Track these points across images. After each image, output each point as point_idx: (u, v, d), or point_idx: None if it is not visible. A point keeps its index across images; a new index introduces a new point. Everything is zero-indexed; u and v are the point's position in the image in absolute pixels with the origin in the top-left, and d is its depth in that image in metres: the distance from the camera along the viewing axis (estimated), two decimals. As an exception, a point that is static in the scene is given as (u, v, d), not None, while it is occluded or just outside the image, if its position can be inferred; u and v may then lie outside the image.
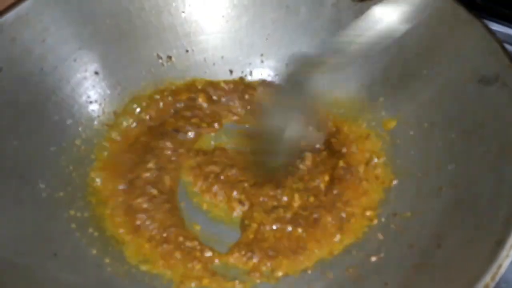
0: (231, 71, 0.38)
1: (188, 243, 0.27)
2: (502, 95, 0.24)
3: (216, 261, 0.27)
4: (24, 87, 0.30)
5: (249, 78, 0.38)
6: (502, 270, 0.16)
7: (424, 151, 0.28)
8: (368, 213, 0.27)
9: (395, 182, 0.29)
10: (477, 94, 0.25)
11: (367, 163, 0.30)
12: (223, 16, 0.37)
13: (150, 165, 0.31)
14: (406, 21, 0.29)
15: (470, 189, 0.23)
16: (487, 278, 0.16)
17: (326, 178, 0.30)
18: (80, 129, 0.32)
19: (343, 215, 0.27)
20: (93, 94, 0.34)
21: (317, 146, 0.31)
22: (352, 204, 0.28)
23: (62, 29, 0.32)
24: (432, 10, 0.29)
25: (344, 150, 0.31)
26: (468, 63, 0.27)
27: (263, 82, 0.38)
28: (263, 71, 0.38)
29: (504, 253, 0.17)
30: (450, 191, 0.24)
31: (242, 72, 0.38)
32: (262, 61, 0.38)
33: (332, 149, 0.31)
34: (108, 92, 0.34)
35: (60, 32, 0.32)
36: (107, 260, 0.27)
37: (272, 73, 0.38)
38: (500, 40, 0.25)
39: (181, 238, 0.27)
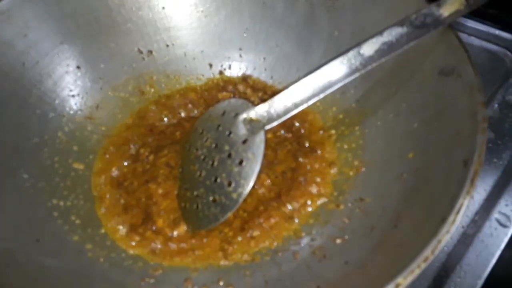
0: (210, 65, 0.39)
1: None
2: (457, 85, 0.25)
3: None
4: (6, 81, 0.31)
5: (228, 71, 0.39)
6: (442, 244, 0.18)
7: (390, 140, 0.29)
8: (335, 198, 0.29)
9: (363, 169, 0.30)
10: (437, 85, 0.27)
11: (335, 148, 0.32)
12: (202, 11, 0.38)
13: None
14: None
15: (427, 175, 0.24)
16: (427, 252, 0.18)
17: (292, 163, 0.31)
18: (62, 122, 0.33)
19: (309, 202, 0.29)
20: (75, 88, 0.35)
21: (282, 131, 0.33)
22: (319, 192, 0.30)
23: (43, 24, 0.33)
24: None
25: (311, 136, 0.32)
26: (430, 55, 0.28)
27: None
28: (241, 65, 0.39)
29: (445, 229, 0.18)
30: (410, 177, 0.26)
31: (222, 65, 0.39)
32: (240, 55, 0.39)
33: (297, 135, 0.33)
34: (90, 86, 0.35)
35: (41, 27, 0.33)
36: (88, 246, 0.28)
37: (250, 67, 0.39)
38: (458, 35, 0.27)
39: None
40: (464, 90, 0.24)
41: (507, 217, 0.32)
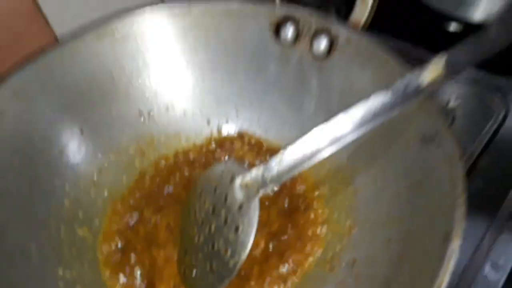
0: (208, 123, 0.41)
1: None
2: (438, 154, 0.26)
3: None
4: (14, 155, 0.32)
5: (225, 128, 0.41)
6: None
7: (379, 202, 0.31)
8: (330, 259, 0.30)
9: (355, 230, 0.31)
10: (419, 151, 0.28)
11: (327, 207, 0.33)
12: (199, 74, 0.40)
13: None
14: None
15: (411, 243, 0.25)
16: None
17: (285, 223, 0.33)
18: (67, 189, 0.35)
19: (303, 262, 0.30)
20: (79, 155, 0.36)
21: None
22: (313, 252, 0.31)
23: (48, 96, 0.35)
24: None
25: (304, 194, 0.34)
26: (413, 122, 0.29)
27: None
28: (237, 122, 0.41)
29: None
30: (397, 243, 0.27)
31: (219, 123, 0.41)
32: (237, 113, 0.41)
33: (290, 193, 0.34)
34: (92, 150, 0.37)
35: (46, 98, 0.34)
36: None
37: (246, 124, 0.41)
38: (439, 103, 0.28)
39: None
40: (445, 159, 0.26)
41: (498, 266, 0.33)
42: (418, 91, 0.28)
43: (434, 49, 0.29)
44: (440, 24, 0.51)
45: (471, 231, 0.35)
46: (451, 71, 0.28)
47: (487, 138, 0.41)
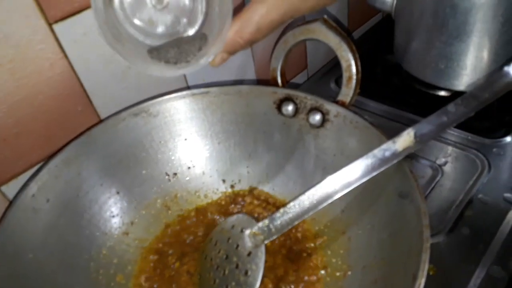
0: (224, 181, 0.48)
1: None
2: (410, 208, 0.32)
3: None
4: (64, 211, 0.39)
5: (238, 185, 0.48)
6: None
7: (368, 248, 0.36)
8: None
9: (349, 273, 0.37)
10: (397, 205, 0.34)
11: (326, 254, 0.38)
12: (216, 140, 0.48)
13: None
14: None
15: (391, 283, 0.30)
16: None
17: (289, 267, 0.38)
18: (105, 239, 0.41)
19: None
20: (115, 210, 0.43)
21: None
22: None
23: (92, 162, 0.42)
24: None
25: (305, 242, 0.39)
26: (391, 181, 0.36)
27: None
28: (248, 180, 0.48)
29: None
30: (381, 283, 0.32)
31: (232, 181, 0.48)
32: (248, 172, 0.48)
33: (294, 241, 0.40)
34: (126, 206, 0.44)
35: (91, 166, 0.42)
36: None
37: (256, 181, 0.48)
38: (409, 167, 0.34)
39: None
40: (415, 212, 0.31)
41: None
42: (394, 155, 0.35)
43: (421, 113, 0.35)
44: (426, 90, 0.58)
45: (461, 271, 0.39)
46: (419, 140, 0.35)
47: (473, 190, 0.47)
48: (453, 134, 0.53)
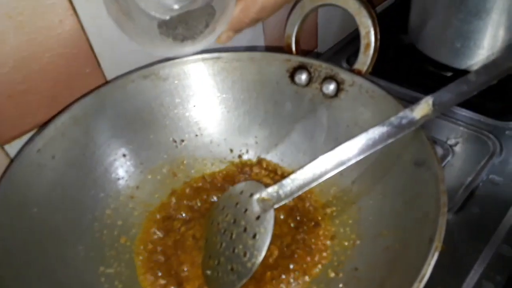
0: (231, 150, 0.47)
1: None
2: (426, 175, 0.31)
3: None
4: (69, 169, 0.39)
5: (245, 155, 0.47)
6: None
7: (379, 217, 0.35)
8: (335, 267, 0.34)
9: (358, 242, 0.36)
10: (412, 173, 0.33)
11: (335, 223, 0.37)
12: (225, 108, 0.47)
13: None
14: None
15: (404, 248, 0.30)
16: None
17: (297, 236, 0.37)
18: (109, 200, 0.41)
19: (312, 269, 0.35)
20: (121, 172, 0.42)
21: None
22: (321, 261, 0.35)
23: (100, 123, 0.41)
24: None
25: (314, 212, 0.38)
26: (407, 149, 0.35)
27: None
28: (257, 150, 0.47)
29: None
30: (393, 250, 0.31)
31: (240, 150, 0.47)
32: (256, 142, 0.47)
33: (302, 212, 0.39)
34: (133, 170, 0.43)
35: (98, 126, 0.41)
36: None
37: (264, 151, 0.47)
38: (427, 134, 0.34)
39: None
40: (432, 179, 0.31)
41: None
42: (411, 123, 0.34)
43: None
44: (438, 71, 0.57)
45: (470, 249, 0.39)
46: (438, 109, 0.34)
47: (484, 171, 0.46)
48: (465, 115, 0.52)
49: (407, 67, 0.61)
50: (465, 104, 0.52)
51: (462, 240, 0.40)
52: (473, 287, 0.36)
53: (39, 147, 0.37)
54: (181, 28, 0.36)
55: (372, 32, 0.39)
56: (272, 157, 0.46)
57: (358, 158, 0.34)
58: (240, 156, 0.47)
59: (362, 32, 0.39)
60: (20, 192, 0.34)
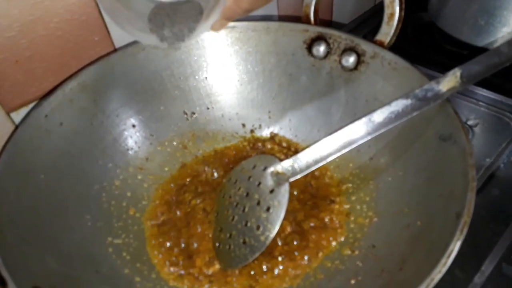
0: (243, 125, 0.46)
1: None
2: (453, 150, 0.30)
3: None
4: (77, 138, 0.37)
5: (258, 130, 0.46)
6: (435, 281, 0.22)
7: (399, 195, 0.34)
8: (351, 244, 0.33)
9: (375, 219, 0.34)
10: (437, 148, 0.32)
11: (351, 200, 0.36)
12: (238, 81, 0.45)
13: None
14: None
15: (428, 225, 0.28)
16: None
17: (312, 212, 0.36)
18: (118, 171, 0.39)
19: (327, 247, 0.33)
20: (130, 143, 0.41)
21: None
22: (336, 239, 0.34)
23: (109, 91, 0.40)
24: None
25: (330, 189, 0.37)
26: (431, 123, 0.33)
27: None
28: (270, 125, 0.45)
29: (437, 269, 0.22)
30: (414, 227, 0.30)
31: (253, 125, 0.46)
32: (269, 117, 0.45)
33: (318, 188, 0.38)
34: (142, 141, 0.42)
35: (107, 94, 0.40)
36: (137, 279, 0.33)
37: (277, 127, 0.45)
38: (454, 107, 0.32)
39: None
40: (459, 154, 0.29)
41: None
42: (437, 96, 0.32)
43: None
44: (458, 50, 0.55)
45: (490, 231, 0.37)
46: (466, 81, 0.32)
47: (505, 153, 0.44)
48: (486, 96, 0.50)
49: (426, 45, 0.59)
50: (486, 84, 0.50)
51: (481, 222, 0.39)
52: (493, 270, 0.35)
53: (46, 113, 0.35)
54: (166, 30, 0.34)
55: (397, 1, 0.37)
56: (286, 132, 0.45)
57: (378, 133, 0.32)
58: (252, 131, 0.45)
59: (386, 1, 0.37)
60: (26, 157, 0.33)
